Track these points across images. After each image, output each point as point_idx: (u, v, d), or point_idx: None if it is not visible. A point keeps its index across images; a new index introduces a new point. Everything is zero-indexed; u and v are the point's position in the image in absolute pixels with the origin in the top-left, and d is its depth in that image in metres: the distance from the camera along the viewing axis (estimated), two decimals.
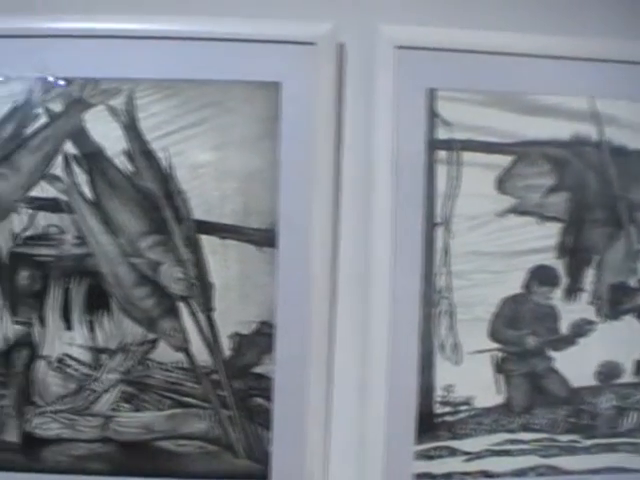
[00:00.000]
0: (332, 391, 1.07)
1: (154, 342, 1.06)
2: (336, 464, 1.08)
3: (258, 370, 1.06)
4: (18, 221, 1.07)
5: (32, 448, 1.08)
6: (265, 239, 1.05)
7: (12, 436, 1.08)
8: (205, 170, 1.05)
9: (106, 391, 1.07)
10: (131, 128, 1.05)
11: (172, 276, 1.05)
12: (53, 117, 1.06)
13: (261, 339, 1.05)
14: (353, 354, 1.08)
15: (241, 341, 1.05)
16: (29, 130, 1.07)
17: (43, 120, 1.07)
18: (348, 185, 1.08)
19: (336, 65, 1.06)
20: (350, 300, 1.07)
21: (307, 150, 1.05)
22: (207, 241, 1.05)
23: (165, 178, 1.05)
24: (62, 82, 1.07)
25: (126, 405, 1.07)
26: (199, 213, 1.05)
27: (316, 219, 1.05)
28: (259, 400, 1.06)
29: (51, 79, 1.07)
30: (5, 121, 1.07)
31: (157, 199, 1.05)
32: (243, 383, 1.06)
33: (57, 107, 1.07)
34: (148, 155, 1.05)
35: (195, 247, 1.05)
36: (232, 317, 1.06)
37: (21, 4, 1.06)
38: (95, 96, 1.05)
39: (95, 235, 1.06)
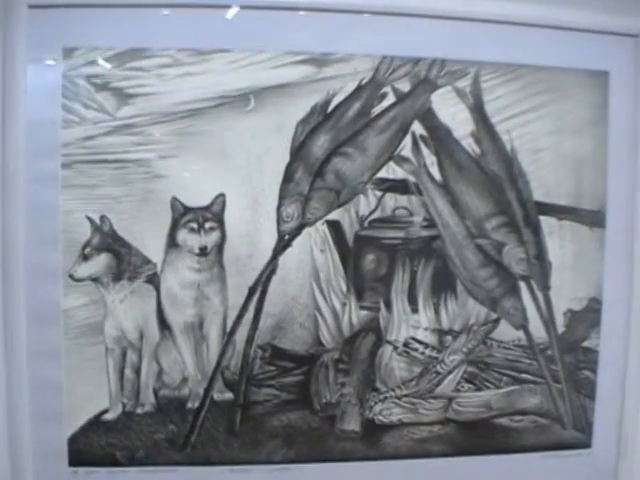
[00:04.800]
0: None
1: (496, 321, 0.99)
2: None
3: (586, 344, 1.02)
4: (365, 203, 0.96)
5: (372, 435, 0.97)
6: (595, 220, 1.01)
7: (352, 424, 0.97)
8: (543, 154, 0.99)
9: (450, 372, 0.98)
10: (477, 110, 0.98)
11: (515, 256, 0.99)
12: (401, 97, 0.96)
13: (590, 315, 1.02)
14: None
15: (572, 317, 1.01)
16: (376, 109, 0.95)
17: (390, 100, 0.96)
18: None
19: None
20: None
21: (633, 137, 1.01)
22: (545, 222, 1.00)
23: (509, 161, 0.98)
24: (409, 61, 0.95)
25: (468, 385, 0.99)
26: (538, 195, 1.00)
27: None
28: (586, 372, 1.02)
29: (397, 58, 0.95)
30: (351, 99, 0.95)
31: (501, 181, 0.98)
32: (573, 357, 1.02)
33: (404, 87, 0.96)
34: (493, 138, 0.98)
35: (535, 228, 0.99)
36: (566, 294, 1.01)
37: None
38: (442, 77, 0.96)
39: (443, 217, 0.97)
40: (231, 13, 0.93)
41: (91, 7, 0.92)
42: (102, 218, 0.92)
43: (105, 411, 0.94)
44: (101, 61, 0.92)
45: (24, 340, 0.93)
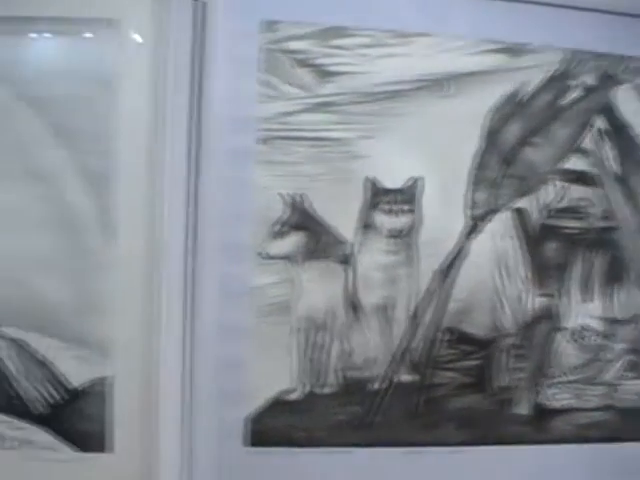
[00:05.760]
0: None
1: None
2: None
3: None
4: (549, 193, 0.97)
5: (541, 419, 0.99)
6: None
7: (524, 408, 0.98)
8: None
9: (615, 360, 1.00)
10: None
11: None
12: (587, 91, 0.97)
13: None
14: None
15: None
16: (563, 102, 0.97)
17: (577, 93, 0.97)
18: None
19: None
20: None
21: None
22: None
23: None
24: (595, 56, 0.97)
25: (629, 373, 1.01)
26: None
27: None
28: None
29: (586, 52, 0.97)
30: (541, 90, 0.95)
31: None
32: None
33: (590, 81, 0.97)
34: None
35: None
36: None
37: None
38: (624, 74, 0.98)
39: (621, 210, 0.99)
40: None
41: None
42: (298, 196, 0.89)
43: (288, 391, 0.92)
44: (303, 37, 0.90)
45: (212, 317, 0.90)
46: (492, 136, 0.94)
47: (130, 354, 0.90)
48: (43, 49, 0.89)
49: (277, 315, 0.91)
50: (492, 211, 0.94)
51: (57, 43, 0.89)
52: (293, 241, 0.90)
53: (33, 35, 0.88)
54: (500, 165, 0.94)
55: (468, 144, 0.93)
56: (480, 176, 0.93)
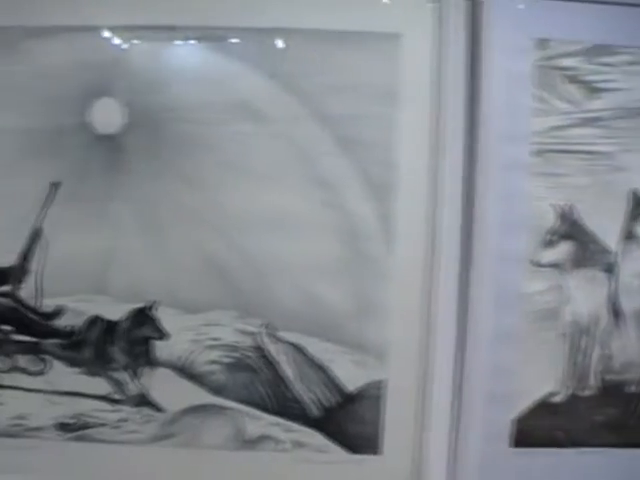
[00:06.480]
0: None
1: None
2: None
3: None
4: None
5: None
6: None
7: None
8: None
9: None
10: None
11: None
12: None
13: None
14: None
15: None
16: None
17: None
18: None
19: None
20: None
21: None
22: None
23: None
24: None
25: None
26: None
27: None
28: None
29: None
30: None
31: None
32: None
33: None
34: None
35: None
36: None
37: None
38: None
39: None
40: None
41: (563, 0, 0.94)
42: (567, 206, 0.93)
43: (553, 393, 0.95)
44: (572, 54, 0.94)
45: (485, 323, 0.93)
46: None
47: (404, 358, 0.93)
48: (332, 63, 0.91)
49: (545, 320, 0.95)
50: None
51: (343, 57, 0.91)
52: (563, 250, 0.94)
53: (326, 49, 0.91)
54: None
55: None
56: None
